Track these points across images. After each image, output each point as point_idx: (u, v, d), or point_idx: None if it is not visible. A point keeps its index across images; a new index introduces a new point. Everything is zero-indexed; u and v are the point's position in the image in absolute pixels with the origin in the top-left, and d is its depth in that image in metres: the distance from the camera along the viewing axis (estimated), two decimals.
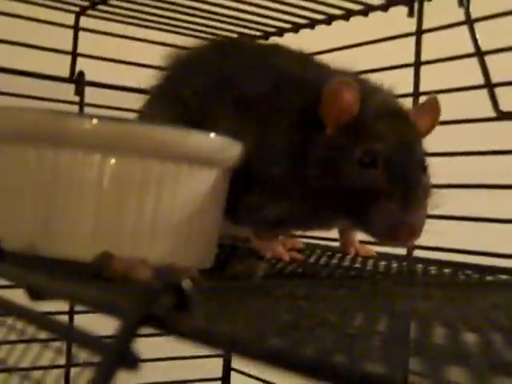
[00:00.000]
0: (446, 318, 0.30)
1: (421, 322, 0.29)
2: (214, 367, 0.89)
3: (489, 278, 0.53)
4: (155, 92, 0.65)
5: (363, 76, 0.61)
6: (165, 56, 0.65)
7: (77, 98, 0.81)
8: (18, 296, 0.36)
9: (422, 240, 0.67)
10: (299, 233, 0.67)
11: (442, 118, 0.61)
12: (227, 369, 0.89)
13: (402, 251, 0.67)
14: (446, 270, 0.56)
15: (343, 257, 0.61)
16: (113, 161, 0.46)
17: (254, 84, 0.58)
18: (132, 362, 0.24)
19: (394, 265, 0.58)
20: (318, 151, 0.53)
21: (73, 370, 0.74)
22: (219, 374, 0.90)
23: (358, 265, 0.57)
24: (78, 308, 0.76)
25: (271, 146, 0.55)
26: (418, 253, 0.67)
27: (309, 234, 0.68)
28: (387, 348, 0.22)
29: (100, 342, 0.26)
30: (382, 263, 0.59)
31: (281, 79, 0.57)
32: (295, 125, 0.55)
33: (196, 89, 0.60)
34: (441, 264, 0.58)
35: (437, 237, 0.61)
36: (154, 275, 0.38)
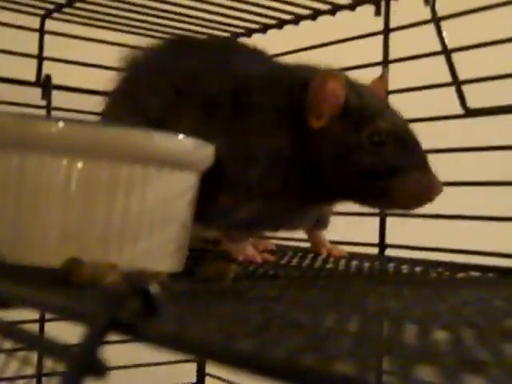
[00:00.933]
0: (417, 316, 0.30)
1: (392, 320, 0.29)
2: (188, 372, 0.88)
3: (460, 275, 0.53)
4: (114, 95, 0.64)
5: None
6: (122, 57, 0.65)
7: (44, 102, 0.80)
8: None
9: (393, 239, 0.67)
10: (270, 234, 0.67)
11: (411, 115, 0.61)
12: (201, 373, 0.88)
13: (373, 250, 0.67)
14: (418, 269, 0.56)
15: (315, 257, 0.61)
16: (80, 164, 0.45)
17: (217, 82, 0.57)
18: (99, 369, 0.24)
19: (366, 264, 0.58)
20: (316, 145, 0.54)
21: (44, 380, 0.73)
22: (193, 379, 0.89)
23: (330, 265, 0.56)
24: (49, 316, 0.75)
25: (247, 147, 0.55)
26: (389, 252, 0.67)
27: (279, 235, 0.67)
28: (359, 348, 0.22)
29: (66, 350, 0.25)
30: (354, 263, 0.59)
31: (247, 78, 0.57)
32: (273, 123, 0.55)
33: (155, 89, 0.59)
34: (412, 262, 0.58)
35: (408, 235, 0.62)
36: (123, 280, 0.37)
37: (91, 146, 0.45)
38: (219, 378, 0.83)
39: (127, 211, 0.46)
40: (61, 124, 0.45)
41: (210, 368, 0.88)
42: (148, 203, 0.47)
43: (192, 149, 0.49)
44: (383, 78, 0.61)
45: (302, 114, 0.54)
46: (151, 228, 0.47)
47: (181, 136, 0.48)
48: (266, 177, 0.54)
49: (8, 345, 0.31)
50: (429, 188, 0.53)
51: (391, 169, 0.53)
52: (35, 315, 0.76)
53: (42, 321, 0.77)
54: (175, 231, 0.49)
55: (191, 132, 0.49)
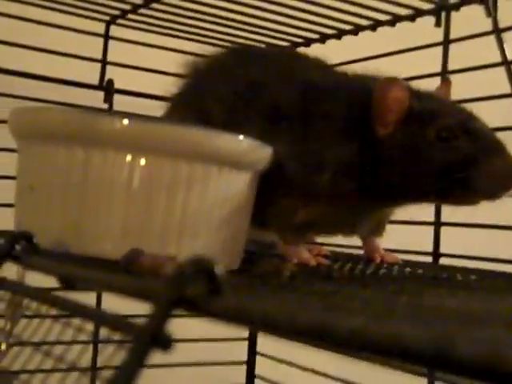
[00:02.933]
0: (476, 313, 0.30)
1: (450, 315, 0.30)
2: (240, 351, 0.90)
3: None
4: (176, 101, 0.65)
5: None
6: (184, 64, 0.66)
7: (106, 106, 0.82)
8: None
9: (447, 248, 0.67)
10: (324, 241, 0.67)
11: None
12: (252, 352, 0.90)
13: (427, 259, 0.67)
14: (473, 277, 0.56)
15: (369, 263, 0.62)
16: (143, 161, 0.47)
17: (283, 92, 0.58)
18: (165, 342, 0.25)
19: (420, 270, 0.58)
20: (385, 151, 0.54)
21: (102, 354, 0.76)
22: (244, 358, 0.91)
23: (383, 270, 0.57)
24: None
25: (315, 153, 0.55)
26: (443, 261, 0.67)
27: (333, 241, 0.68)
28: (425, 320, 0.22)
29: (133, 324, 0.26)
30: (408, 269, 0.59)
31: (313, 87, 0.58)
32: (340, 132, 0.56)
33: (220, 97, 0.60)
34: (467, 271, 0.58)
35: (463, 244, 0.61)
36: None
37: (154, 143, 0.47)
38: (269, 357, 0.85)
39: (186, 208, 0.47)
40: (125, 121, 0.47)
41: (261, 347, 0.89)
42: (207, 201, 0.48)
43: (250, 149, 0.50)
44: (446, 84, 0.61)
45: (367, 121, 0.55)
46: (209, 225, 0.48)
47: (240, 136, 0.49)
48: (334, 183, 0.55)
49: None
50: (511, 172, 0.52)
51: (467, 160, 0.52)
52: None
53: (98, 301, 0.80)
54: (233, 229, 0.50)
55: (255, 139, 0.51)
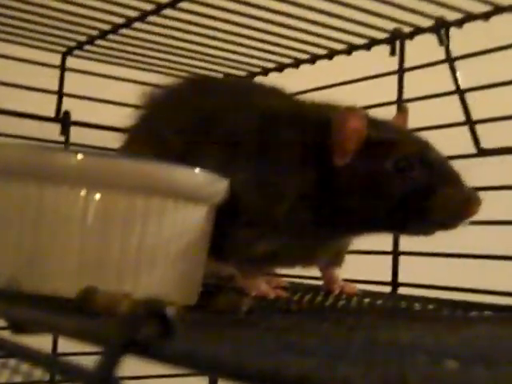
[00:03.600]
0: (428, 347, 0.30)
1: (402, 350, 0.29)
2: None
3: (473, 313, 0.53)
4: (133, 132, 0.64)
5: None
6: (141, 95, 0.65)
7: (62, 138, 0.81)
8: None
9: (404, 277, 0.67)
10: (282, 272, 0.67)
11: None
12: None
13: (386, 289, 0.67)
14: (431, 306, 0.56)
15: (327, 294, 0.61)
16: (98, 196, 0.46)
17: (241, 121, 0.58)
18: None
19: (379, 301, 0.58)
20: (343, 180, 0.54)
21: None
22: None
23: (342, 302, 0.57)
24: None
25: (273, 184, 0.55)
26: (402, 290, 0.67)
27: (291, 272, 0.68)
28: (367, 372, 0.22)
29: (83, 369, 0.25)
30: (366, 300, 0.59)
31: (271, 116, 0.57)
32: (299, 161, 0.55)
33: (177, 127, 0.60)
34: (425, 300, 0.58)
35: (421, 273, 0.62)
36: (138, 308, 0.37)
37: (109, 177, 0.46)
38: None
39: (143, 243, 0.47)
40: (79, 156, 0.46)
41: (222, 382, 0.87)
42: (163, 235, 0.48)
43: (207, 182, 0.50)
44: (403, 112, 0.62)
45: (326, 150, 0.54)
46: (166, 260, 0.48)
47: (196, 169, 0.49)
48: (293, 213, 0.55)
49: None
50: (467, 201, 0.52)
51: (423, 190, 0.53)
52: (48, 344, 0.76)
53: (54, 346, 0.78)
54: (190, 263, 0.49)
55: (214, 169, 0.50)
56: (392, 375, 0.19)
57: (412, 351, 0.28)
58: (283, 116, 0.57)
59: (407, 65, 0.69)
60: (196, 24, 0.70)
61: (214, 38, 0.75)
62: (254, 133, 0.57)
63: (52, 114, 0.82)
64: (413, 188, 0.53)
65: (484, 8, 0.61)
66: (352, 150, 0.54)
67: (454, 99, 0.63)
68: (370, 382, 0.18)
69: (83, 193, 0.46)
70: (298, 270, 0.63)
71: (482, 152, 0.62)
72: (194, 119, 0.60)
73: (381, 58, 0.70)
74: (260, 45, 0.76)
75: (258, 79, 0.85)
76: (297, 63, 0.81)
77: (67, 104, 0.83)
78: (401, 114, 0.62)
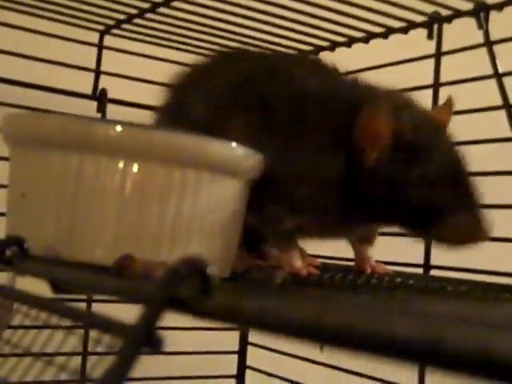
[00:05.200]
0: (467, 316, 0.31)
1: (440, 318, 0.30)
2: (231, 341, 0.91)
3: (506, 295, 0.53)
4: (162, 109, 0.64)
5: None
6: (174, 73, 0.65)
7: (99, 115, 0.82)
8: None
9: (437, 260, 0.67)
10: (315, 253, 0.67)
11: (462, 138, 0.62)
12: (244, 343, 0.91)
13: (418, 271, 0.67)
14: (463, 288, 0.56)
15: (359, 273, 0.62)
16: (135, 167, 0.47)
17: (272, 89, 0.57)
18: (157, 342, 0.25)
19: (411, 281, 0.58)
20: (367, 175, 0.53)
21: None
22: (236, 348, 0.91)
23: (374, 280, 0.57)
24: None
25: (299, 165, 0.54)
26: (434, 273, 0.67)
27: (324, 253, 0.68)
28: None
29: (124, 324, 0.26)
30: (398, 279, 0.59)
31: (305, 90, 0.56)
32: (326, 145, 0.54)
33: (204, 97, 0.59)
34: (457, 282, 0.58)
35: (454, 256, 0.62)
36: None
37: (147, 149, 0.47)
38: (261, 347, 0.85)
39: (179, 214, 0.47)
40: (118, 127, 0.47)
41: (253, 337, 0.90)
42: (199, 208, 0.48)
43: (243, 157, 0.50)
44: (448, 104, 0.59)
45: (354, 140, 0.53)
46: (201, 232, 0.48)
47: (233, 144, 0.49)
48: (316, 196, 0.55)
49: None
50: (474, 232, 0.52)
51: (439, 208, 0.52)
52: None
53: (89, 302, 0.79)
54: (225, 237, 0.50)
55: (239, 140, 0.50)
56: (432, 332, 0.19)
57: (450, 319, 0.28)
58: (318, 93, 0.56)
59: (445, 48, 0.69)
60: (221, 10, 0.71)
61: (247, 18, 0.75)
62: (284, 105, 0.56)
63: (89, 92, 0.82)
64: (429, 203, 0.52)
65: None
66: (377, 150, 0.53)
67: (492, 83, 0.63)
68: (411, 333, 0.18)
69: (121, 164, 0.47)
70: (330, 250, 0.63)
71: None
72: (221, 88, 0.59)
73: (418, 42, 0.69)
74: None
75: None
76: (333, 46, 0.81)
77: (104, 82, 0.83)
78: (445, 106, 0.59)
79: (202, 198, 0.48)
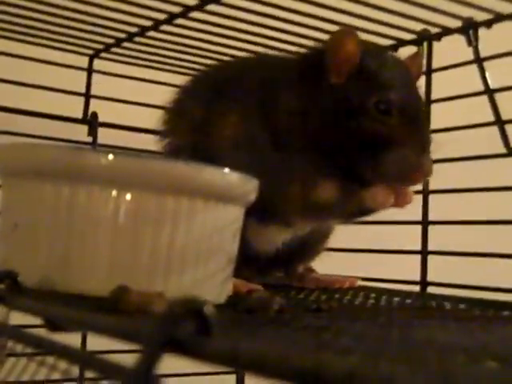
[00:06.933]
0: (465, 347, 0.30)
1: (440, 350, 0.29)
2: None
3: (505, 313, 0.53)
4: (168, 109, 0.66)
5: None
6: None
7: (90, 139, 0.82)
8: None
9: (434, 277, 0.67)
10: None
11: (454, 155, 0.62)
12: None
13: (415, 289, 0.67)
14: (461, 306, 0.55)
15: (357, 293, 0.61)
16: (128, 196, 0.46)
17: (254, 76, 0.60)
18: None
19: (408, 301, 0.58)
20: (330, 99, 0.56)
21: None
22: None
23: (372, 300, 0.56)
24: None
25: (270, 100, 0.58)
26: (430, 290, 0.67)
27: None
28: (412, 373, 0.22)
29: (121, 367, 0.26)
30: (396, 299, 0.58)
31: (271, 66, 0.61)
32: (295, 78, 0.58)
33: (199, 99, 0.62)
34: (455, 300, 0.58)
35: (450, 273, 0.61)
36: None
37: (139, 178, 0.46)
38: None
39: (173, 242, 0.47)
40: (110, 156, 0.46)
41: (249, 380, 0.88)
42: (194, 235, 0.48)
43: (237, 182, 0.50)
44: (417, 56, 0.62)
45: (324, 70, 0.56)
46: (197, 259, 0.48)
47: (226, 169, 0.49)
48: (291, 124, 0.57)
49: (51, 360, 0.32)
50: (415, 169, 0.53)
51: (386, 140, 0.54)
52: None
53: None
54: (220, 263, 0.50)
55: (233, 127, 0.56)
56: (435, 374, 0.19)
57: (450, 350, 0.28)
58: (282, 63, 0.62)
59: (435, 65, 0.69)
60: (209, 32, 0.72)
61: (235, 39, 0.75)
62: (256, 81, 0.59)
63: (80, 116, 0.82)
64: (378, 133, 0.54)
65: None
66: (345, 71, 0.55)
67: (483, 99, 0.63)
68: (415, 379, 0.18)
69: (114, 193, 0.46)
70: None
71: None
72: (210, 91, 0.62)
73: None
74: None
75: None
76: None
77: (94, 105, 0.83)
78: (414, 56, 0.61)
79: (197, 226, 0.48)
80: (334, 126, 0.55)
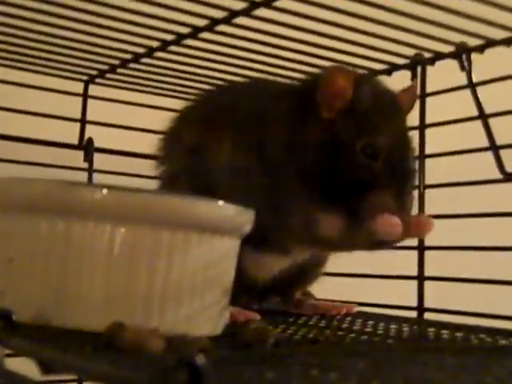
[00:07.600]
0: None
1: None
2: None
3: (502, 341, 0.53)
4: (163, 137, 0.67)
5: None
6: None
7: (86, 165, 0.82)
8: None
9: (431, 303, 0.67)
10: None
11: (449, 179, 0.62)
12: None
13: (412, 314, 0.67)
14: (459, 334, 0.55)
15: (354, 320, 0.61)
16: (123, 230, 0.46)
17: (248, 105, 0.60)
18: None
19: (405, 328, 0.57)
20: (315, 134, 0.55)
21: None
22: None
23: (369, 329, 0.56)
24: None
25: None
26: (428, 316, 0.67)
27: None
28: None
29: None
30: (393, 327, 0.58)
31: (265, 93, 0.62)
32: (286, 110, 0.57)
33: (193, 127, 0.63)
34: (452, 327, 0.58)
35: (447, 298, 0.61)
36: (166, 346, 0.38)
37: (134, 212, 0.46)
38: None
39: (169, 276, 0.47)
40: (104, 191, 0.46)
41: None
42: (189, 268, 0.48)
43: (231, 214, 0.50)
44: (411, 89, 0.61)
45: (316, 103, 0.56)
46: (192, 292, 0.48)
47: (220, 202, 0.49)
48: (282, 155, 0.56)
49: None
50: (386, 211, 0.52)
51: (366, 185, 0.53)
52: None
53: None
54: (216, 295, 0.50)
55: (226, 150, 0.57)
56: None
57: None
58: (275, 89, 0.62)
59: (429, 89, 0.69)
60: (202, 58, 0.73)
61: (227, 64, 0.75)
62: (247, 110, 0.59)
63: (75, 141, 0.82)
64: (360, 176, 0.53)
65: (505, 34, 0.61)
66: (336, 107, 0.55)
67: (477, 124, 0.63)
68: None
69: (108, 228, 0.46)
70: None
71: (508, 177, 0.61)
72: (205, 115, 0.63)
73: (402, 84, 0.70)
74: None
75: None
76: None
77: (90, 130, 0.83)
78: (408, 89, 0.61)
79: (192, 258, 0.48)
80: (321, 160, 0.55)
